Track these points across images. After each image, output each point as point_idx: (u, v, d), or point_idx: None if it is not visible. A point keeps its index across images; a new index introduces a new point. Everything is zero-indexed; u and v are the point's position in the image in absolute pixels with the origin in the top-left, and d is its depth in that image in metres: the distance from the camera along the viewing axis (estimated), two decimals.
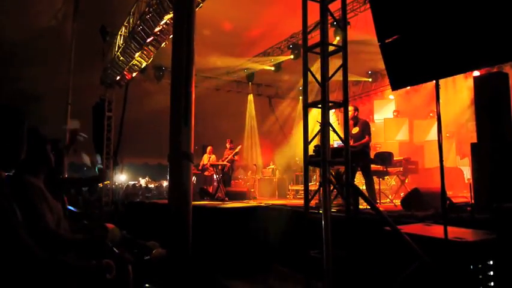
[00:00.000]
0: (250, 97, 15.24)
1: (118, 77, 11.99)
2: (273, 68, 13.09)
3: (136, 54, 10.27)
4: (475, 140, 5.11)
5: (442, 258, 3.00)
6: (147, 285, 1.94)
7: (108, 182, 13.35)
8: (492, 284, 2.96)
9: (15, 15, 10.44)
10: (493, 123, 4.81)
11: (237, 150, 10.94)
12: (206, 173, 11.35)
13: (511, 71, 9.96)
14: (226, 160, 10.65)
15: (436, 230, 3.36)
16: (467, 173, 9.41)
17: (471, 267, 2.90)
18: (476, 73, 8.92)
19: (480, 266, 2.95)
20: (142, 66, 11.08)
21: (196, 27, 4.41)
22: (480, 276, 2.94)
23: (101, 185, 13.72)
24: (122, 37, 10.70)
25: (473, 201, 4.96)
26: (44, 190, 2.25)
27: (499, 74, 5.75)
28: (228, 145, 11.09)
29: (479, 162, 4.93)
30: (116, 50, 11.03)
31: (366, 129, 6.76)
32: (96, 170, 3.25)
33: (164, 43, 9.53)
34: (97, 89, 12.88)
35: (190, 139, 4.15)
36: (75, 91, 11.72)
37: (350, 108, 6.95)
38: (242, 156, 11.98)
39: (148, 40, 9.50)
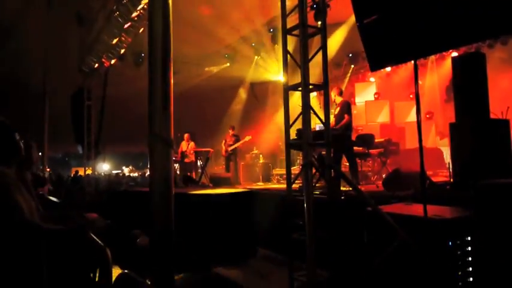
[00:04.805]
0: (232, 83, 15.09)
1: (96, 65, 11.72)
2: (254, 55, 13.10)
3: (114, 41, 10.03)
4: (453, 121, 5.19)
5: (422, 235, 3.06)
6: (125, 270, 1.92)
7: (90, 171, 13.19)
8: (470, 259, 3.05)
9: None
10: (470, 103, 4.89)
11: (245, 139, 10.79)
12: (186, 160, 11.28)
13: (489, 51, 10.17)
14: (231, 148, 10.61)
15: (416, 209, 3.42)
16: (447, 153, 9.59)
17: (450, 243, 2.98)
18: (454, 54, 9.02)
19: (458, 242, 3.03)
20: (121, 53, 10.85)
21: (173, 11, 4.31)
22: (458, 252, 3.02)
23: (82, 174, 13.55)
24: (99, 23, 10.41)
25: (452, 179, 5.06)
26: (17, 181, 2.20)
27: (477, 54, 5.83)
28: (231, 131, 11.00)
29: (457, 141, 5.01)
30: (94, 36, 10.76)
31: (345, 108, 6.76)
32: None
33: (142, 29, 9.33)
34: (75, 78, 12.57)
35: (169, 124, 4.09)
36: (52, 80, 11.42)
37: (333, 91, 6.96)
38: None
39: (126, 26, 9.29)
